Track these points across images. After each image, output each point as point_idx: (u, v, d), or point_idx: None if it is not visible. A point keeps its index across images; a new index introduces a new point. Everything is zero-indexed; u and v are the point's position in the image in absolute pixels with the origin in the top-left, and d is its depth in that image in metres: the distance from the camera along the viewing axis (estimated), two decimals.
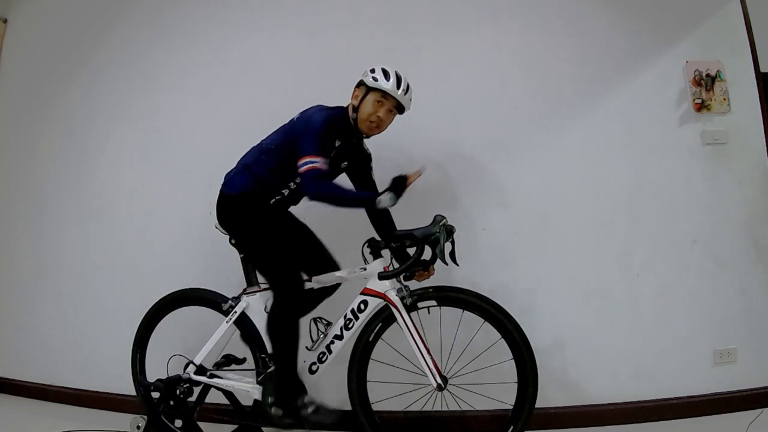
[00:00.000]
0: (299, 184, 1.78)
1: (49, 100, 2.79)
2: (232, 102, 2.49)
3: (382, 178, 1.98)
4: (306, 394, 1.78)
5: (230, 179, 1.91)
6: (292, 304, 1.80)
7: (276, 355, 1.81)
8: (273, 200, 1.88)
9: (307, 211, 2.00)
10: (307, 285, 1.89)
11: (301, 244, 1.98)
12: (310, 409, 1.74)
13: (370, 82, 1.82)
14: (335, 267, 1.94)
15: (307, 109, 1.87)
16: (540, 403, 1.78)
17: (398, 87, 1.82)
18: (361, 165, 1.97)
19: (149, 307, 2.07)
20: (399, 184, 1.74)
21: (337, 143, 1.82)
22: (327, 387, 1.96)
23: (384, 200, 1.71)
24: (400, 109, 1.86)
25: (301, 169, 1.71)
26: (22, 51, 2.93)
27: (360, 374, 1.85)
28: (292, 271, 1.83)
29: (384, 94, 1.81)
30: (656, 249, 2.23)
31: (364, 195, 1.76)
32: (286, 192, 1.89)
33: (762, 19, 2.35)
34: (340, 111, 1.88)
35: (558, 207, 2.25)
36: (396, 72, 1.84)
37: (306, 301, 1.91)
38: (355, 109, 1.85)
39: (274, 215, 1.90)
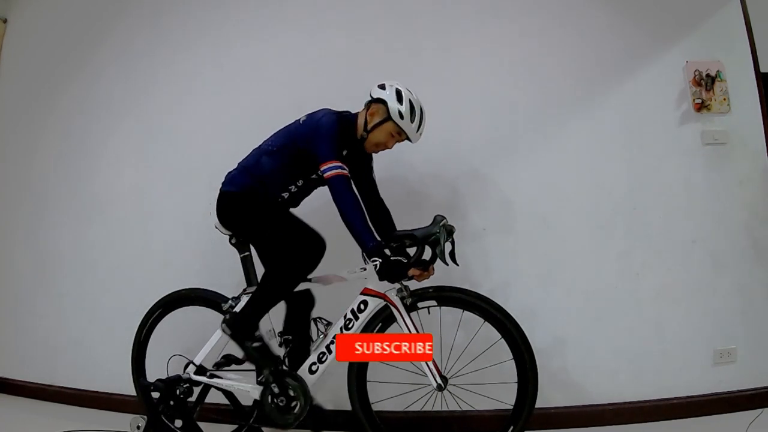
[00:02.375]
0: (329, 190, 1.73)
1: (49, 100, 2.79)
2: (232, 102, 2.49)
3: (378, 177, 2.01)
4: (258, 331, 1.83)
5: (230, 179, 1.91)
6: (298, 270, 1.79)
7: (254, 295, 1.84)
8: (272, 203, 1.88)
9: (311, 212, 2.00)
10: (304, 285, 1.88)
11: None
12: (255, 343, 1.80)
13: (394, 114, 1.78)
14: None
15: (315, 112, 1.85)
16: (540, 403, 1.78)
17: (418, 128, 1.81)
18: (363, 167, 1.96)
19: (149, 308, 2.07)
20: (397, 269, 1.71)
21: (344, 152, 1.80)
22: (327, 387, 1.96)
23: (374, 263, 1.71)
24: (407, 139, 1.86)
25: (327, 174, 1.70)
26: (22, 51, 2.92)
27: (360, 374, 1.85)
28: (304, 247, 1.78)
29: (402, 129, 1.80)
30: (656, 249, 2.23)
31: (366, 239, 1.68)
32: (286, 195, 1.89)
33: (762, 19, 2.35)
34: (347, 118, 1.85)
35: (558, 207, 2.25)
36: (421, 109, 1.81)
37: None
38: (366, 127, 1.82)
39: (275, 208, 1.88)
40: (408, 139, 1.84)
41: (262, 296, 1.84)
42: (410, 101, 1.79)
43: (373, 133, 1.82)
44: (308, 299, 1.95)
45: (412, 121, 1.79)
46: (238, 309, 1.89)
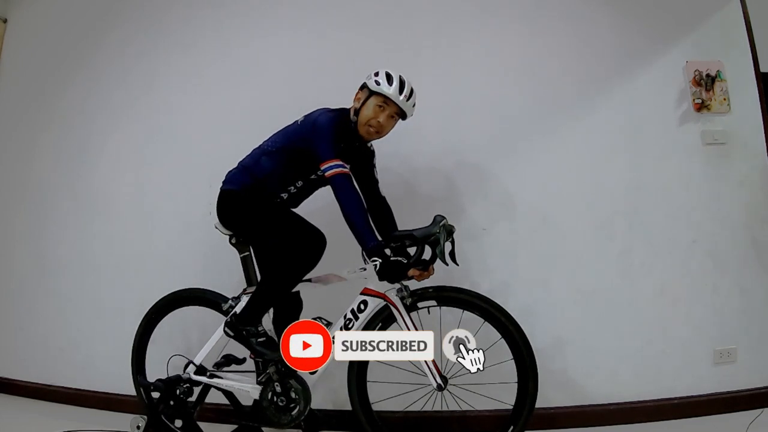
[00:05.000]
0: (332, 188, 1.73)
1: (49, 100, 2.79)
2: (233, 102, 2.49)
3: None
4: (261, 326, 1.84)
5: (230, 177, 1.92)
6: (297, 269, 1.79)
7: (254, 294, 1.85)
8: (272, 202, 1.88)
9: (311, 213, 1.99)
10: (299, 286, 1.87)
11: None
12: (260, 338, 1.81)
13: (372, 85, 1.81)
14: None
15: (311, 112, 1.86)
16: (540, 402, 1.78)
17: (400, 92, 1.80)
18: (364, 164, 1.96)
19: (149, 308, 2.07)
20: (397, 269, 1.71)
21: (341, 145, 1.81)
22: (327, 387, 1.96)
23: (373, 263, 1.71)
24: (402, 115, 1.85)
25: (328, 173, 1.71)
26: (22, 51, 2.92)
27: (360, 374, 1.85)
28: (302, 247, 1.77)
29: (385, 98, 1.80)
30: (656, 249, 2.23)
31: (366, 238, 1.69)
32: (285, 196, 1.89)
33: (762, 19, 2.35)
34: (343, 113, 1.87)
35: (558, 207, 2.25)
36: (400, 77, 1.82)
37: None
38: (357, 112, 1.84)
39: (274, 207, 1.88)
40: (399, 110, 1.82)
41: (262, 295, 1.84)
42: (386, 72, 1.82)
43: (361, 113, 1.83)
44: (296, 303, 1.94)
45: (390, 84, 1.80)
46: (238, 310, 1.89)
